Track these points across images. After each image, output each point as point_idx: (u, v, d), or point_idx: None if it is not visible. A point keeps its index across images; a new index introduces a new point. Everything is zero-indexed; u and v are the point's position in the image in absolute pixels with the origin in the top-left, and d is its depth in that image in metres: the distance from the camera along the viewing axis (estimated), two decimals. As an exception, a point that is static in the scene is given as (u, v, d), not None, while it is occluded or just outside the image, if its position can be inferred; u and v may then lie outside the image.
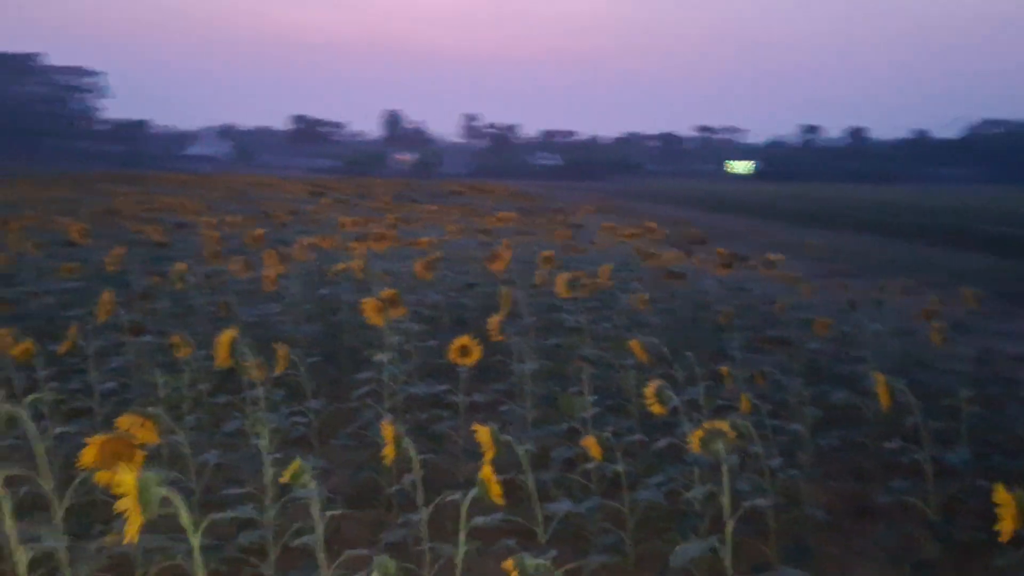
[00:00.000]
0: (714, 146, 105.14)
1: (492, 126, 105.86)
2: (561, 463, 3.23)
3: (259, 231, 6.29)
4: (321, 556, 1.98)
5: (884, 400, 3.03)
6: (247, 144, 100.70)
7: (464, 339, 3.45)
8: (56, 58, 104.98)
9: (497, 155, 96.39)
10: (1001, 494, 1.90)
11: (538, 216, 11.44)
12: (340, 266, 4.78)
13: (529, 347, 4.53)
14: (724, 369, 3.71)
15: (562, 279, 4.51)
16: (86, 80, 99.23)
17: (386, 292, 4.00)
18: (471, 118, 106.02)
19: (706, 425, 2.25)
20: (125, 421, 2.47)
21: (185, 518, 1.53)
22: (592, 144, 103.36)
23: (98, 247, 6.81)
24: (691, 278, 5.78)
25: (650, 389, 2.98)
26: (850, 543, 3.15)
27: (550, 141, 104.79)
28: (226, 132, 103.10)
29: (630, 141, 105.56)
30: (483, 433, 2.41)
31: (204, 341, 3.91)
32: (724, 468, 2.16)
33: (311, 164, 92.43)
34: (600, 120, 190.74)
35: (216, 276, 5.42)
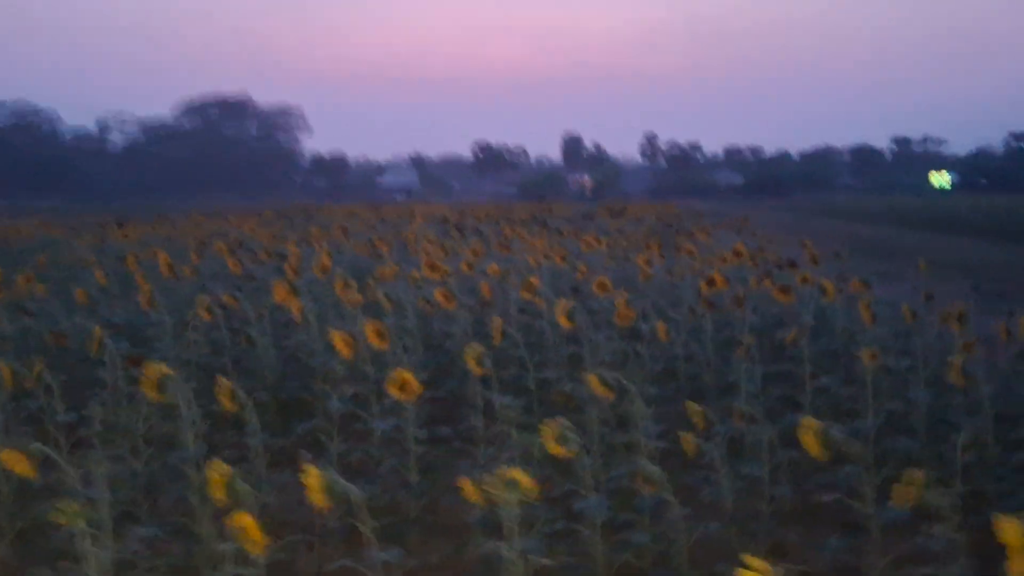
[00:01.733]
0: (913, 158, 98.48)
1: (672, 145, 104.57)
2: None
3: (327, 261, 6.53)
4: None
5: (812, 448, 2.72)
6: (436, 173, 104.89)
7: (404, 373, 3.41)
8: (257, 96, 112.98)
9: (677, 174, 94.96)
10: (751, 566, 1.66)
11: (654, 238, 11.17)
12: (356, 298, 4.87)
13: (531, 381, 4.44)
14: (691, 405, 3.46)
15: (561, 308, 4.38)
16: (291, 118, 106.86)
17: (369, 324, 4.05)
18: (651, 137, 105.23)
19: (499, 471, 2.11)
20: (5, 455, 2.64)
21: None
22: (780, 160, 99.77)
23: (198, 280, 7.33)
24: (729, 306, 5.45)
25: (548, 431, 2.84)
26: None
27: (734, 158, 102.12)
28: (415, 162, 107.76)
29: (822, 155, 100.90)
30: (312, 477, 2.38)
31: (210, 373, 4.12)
32: (506, 522, 2.01)
33: (496, 191, 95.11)
34: (789, 134, 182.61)
35: (271, 311, 5.67)
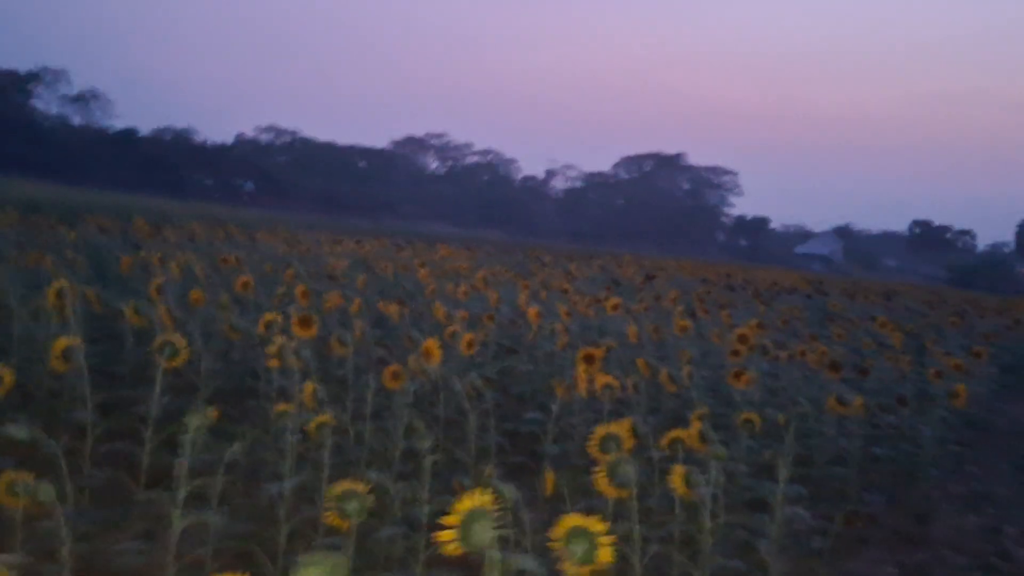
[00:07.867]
0: None
1: None
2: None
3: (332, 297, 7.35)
4: None
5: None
6: (863, 246, 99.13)
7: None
8: (696, 158, 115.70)
9: None
10: None
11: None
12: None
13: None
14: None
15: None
16: (723, 178, 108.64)
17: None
18: None
19: None
20: None
21: None
22: None
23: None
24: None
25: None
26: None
27: None
28: (841, 232, 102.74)
29: None
30: None
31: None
32: None
33: (931, 273, 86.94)
34: None
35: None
